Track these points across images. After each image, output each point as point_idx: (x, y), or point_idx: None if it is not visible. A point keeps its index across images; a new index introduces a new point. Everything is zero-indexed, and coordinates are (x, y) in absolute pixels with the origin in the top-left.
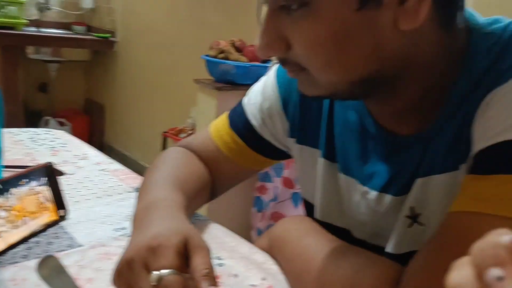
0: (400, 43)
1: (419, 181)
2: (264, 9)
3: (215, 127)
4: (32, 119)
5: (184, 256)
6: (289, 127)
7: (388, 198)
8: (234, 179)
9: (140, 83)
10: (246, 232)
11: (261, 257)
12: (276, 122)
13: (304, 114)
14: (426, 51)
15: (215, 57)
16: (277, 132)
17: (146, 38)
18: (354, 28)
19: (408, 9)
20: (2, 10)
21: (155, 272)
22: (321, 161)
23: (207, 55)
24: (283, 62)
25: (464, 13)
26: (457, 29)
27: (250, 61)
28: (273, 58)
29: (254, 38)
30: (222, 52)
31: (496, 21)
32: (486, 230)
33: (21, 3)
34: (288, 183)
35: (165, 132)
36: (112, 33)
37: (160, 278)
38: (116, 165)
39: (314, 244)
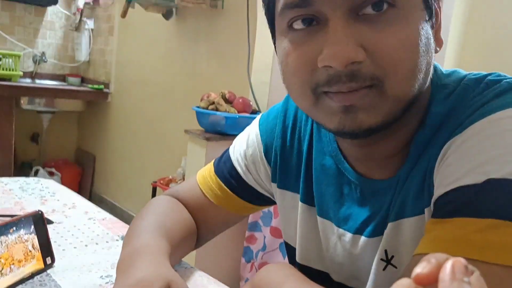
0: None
1: (390, 225)
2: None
3: (202, 175)
4: (23, 169)
5: None
6: (271, 173)
7: (362, 240)
8: (220, 225)
9: (132, 133)
10: (235, 282)
11: None
12: (259, 168)
13: (285, 160)
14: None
15: (205, 108)
16: (260, 178)
17: (139, 89)
18: (425, 37)
19: (436, 33)
20: None
21: None
22: (300, 205)
23: (197, 107)
24: (355, 75)
25: None
26: None
27: (239, 112)
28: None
29: (244, 89)
30: (212, 103)
31: (454, 72)
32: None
33: (18, 56)
34: (276, 233)
35: (154, 182)
36: (106, 85)
37: None
38: (104, 214)
39: None
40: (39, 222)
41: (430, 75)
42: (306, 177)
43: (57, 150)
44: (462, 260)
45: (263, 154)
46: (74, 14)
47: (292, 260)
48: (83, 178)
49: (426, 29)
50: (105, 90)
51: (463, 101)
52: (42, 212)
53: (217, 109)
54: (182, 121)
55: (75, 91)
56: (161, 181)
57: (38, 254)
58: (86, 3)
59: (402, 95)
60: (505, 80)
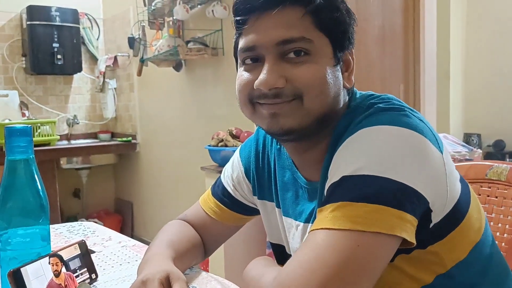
0: (341, 95)
1: None
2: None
3: (203, 198)
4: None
5: (168, 286)
6: (252, 188)
7: (309, 227)
8: (221, 236)
9: (161, 177)
10: None
11: None
12: (243, 186)
13: (260, 177)
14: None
15: (216, 146)
16: (246, 194)
17: (162, 136)
18: (332, 75)
19: (346, 77)
20: (37, 131)
21: None
22: (277, 210)
23: (209, 145)
24: (278, 95)
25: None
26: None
27: None
28: (270, 93)
29: (250, 124)
30: (221, 141)
31: (363, 95)
32: (321, 238)
33: (53, 122)
34: None
35: None
36: (133, 136)
37: None
38: (134, 242)
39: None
40: (83, 248)
41: (343, 101)
42: (274, 188)
43: (98, 201)
44: None
45: (244, 174)
46: (98, 77)
47: (280, 256)
48: (123, 224)
49: (332, 71)
50: (133, 141)
51: (353, 118)
52: (85, 241)
53: (226, 145)
54: (200, 160)
55: (107, 146)
56: None
57: (84, 270)
58: (107, 66)
59: (314, 109)
60: (377, 105)
